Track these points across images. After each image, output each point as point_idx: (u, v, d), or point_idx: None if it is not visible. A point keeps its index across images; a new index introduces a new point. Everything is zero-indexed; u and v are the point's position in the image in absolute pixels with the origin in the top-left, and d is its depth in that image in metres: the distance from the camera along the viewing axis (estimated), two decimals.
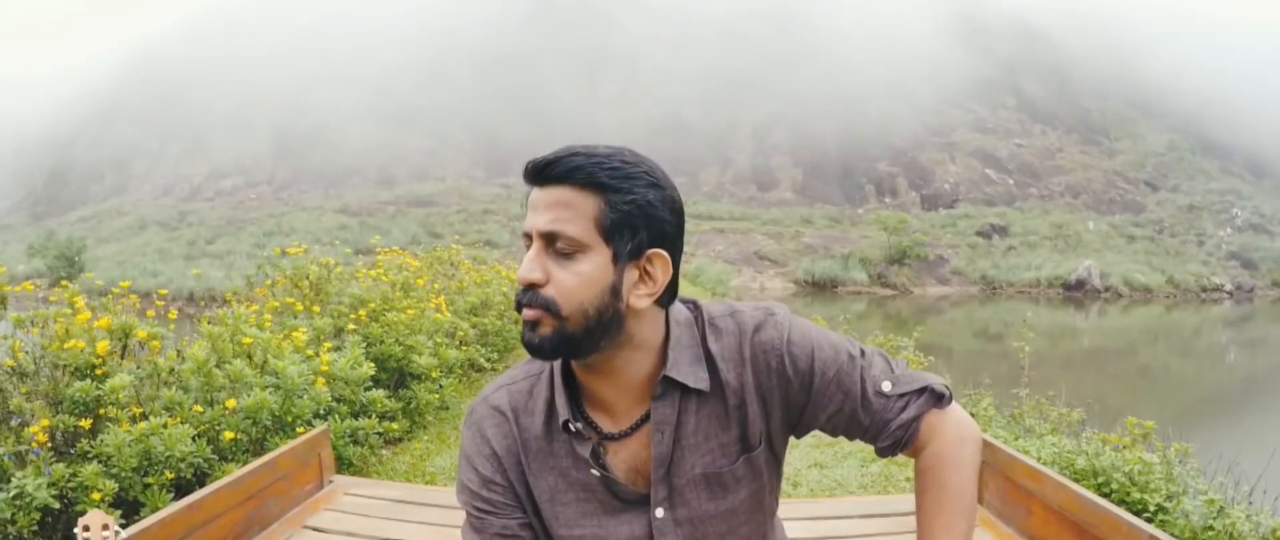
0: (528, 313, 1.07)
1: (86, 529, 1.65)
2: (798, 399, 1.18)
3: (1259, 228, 37.71)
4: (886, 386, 1.18)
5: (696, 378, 1.15)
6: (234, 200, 40.41)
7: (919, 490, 1.19)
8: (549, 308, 1.06)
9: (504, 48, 50.26)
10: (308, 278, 5.26)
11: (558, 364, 1.18)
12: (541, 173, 1.08)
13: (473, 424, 1.23)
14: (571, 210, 1.06)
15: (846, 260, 30.58)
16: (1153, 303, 28.50)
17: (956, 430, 1.18)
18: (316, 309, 4.96)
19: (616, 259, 1.08)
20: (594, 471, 1.17)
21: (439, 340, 5.93)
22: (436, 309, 6.24)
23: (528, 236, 1.09)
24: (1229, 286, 31.89)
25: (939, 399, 1.20)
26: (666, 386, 1.14)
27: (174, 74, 51.92)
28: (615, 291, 1.08)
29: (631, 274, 1.09)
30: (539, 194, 1.09)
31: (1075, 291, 29.72)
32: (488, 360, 7.59)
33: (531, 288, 1.07)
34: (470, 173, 42.77)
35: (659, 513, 1.18)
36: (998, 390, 6.59)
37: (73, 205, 42.94)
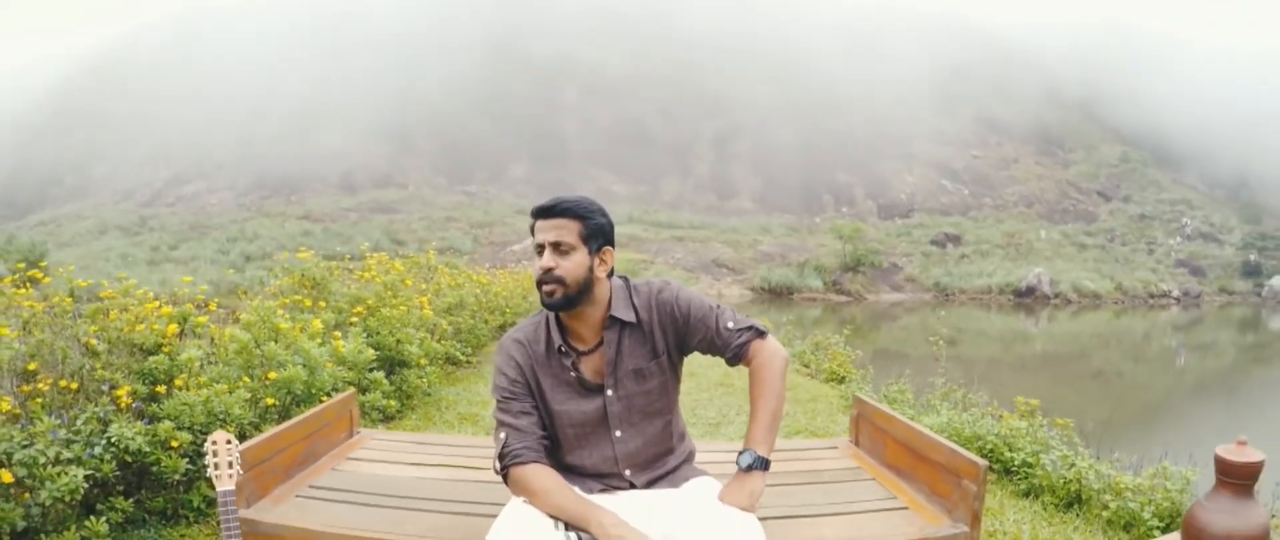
0: (547, 286, 2.00)
1: (214, 442, 2.35)
2: (681, 330, 2.13)
3: (1208, 236, 38.85)
4: (730, 324, 2.13)
5: (628, 315, 2.10)
6: (195, 206, 39.90)
7: (750, 386, 2.10)
8: (560, 281, 1.99)
9: (467, 56, 50.42)
10: (312, 278, 5.97)
11: (553, 316, 2.09)
12: (548, 211, 2.02)
13: (504, 349, 2.14)
14: (565, 229, 2.01)
15: (802, 268, 31.26)
16: (1101, 308, 29.51)
17: (770, 351, 2.12)
18: (323, 304, 5.68)
19: (589, 253, 2.02)
20: (572, 373, 2.08)
21: (423, 335, 6.67)
22: (420, 307, 6.97)
23: (541, 246, 2.01)
24: (1176, 292, 33.03)
25: (761, 334, 2.12)
26: (612, 322, 2.09)
27: (133, 78, 51.28)
28: (590, 270, 2.03)
29: (596, 261, 2.04)
30: (545, 222, 2.03)
31: (1025, 297, 30.63)
32: (463, 354, 8.24)
33: (550, 270, 1.98)
34: (432, 180, 42.78)
35: (609, 392, 2.10)
36: (917, 380, 7.50)
37: (30, 209, 42.17)
